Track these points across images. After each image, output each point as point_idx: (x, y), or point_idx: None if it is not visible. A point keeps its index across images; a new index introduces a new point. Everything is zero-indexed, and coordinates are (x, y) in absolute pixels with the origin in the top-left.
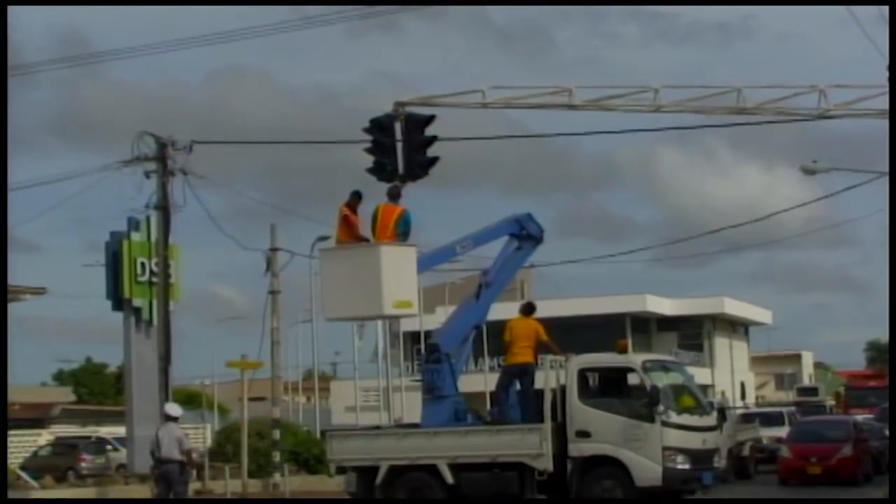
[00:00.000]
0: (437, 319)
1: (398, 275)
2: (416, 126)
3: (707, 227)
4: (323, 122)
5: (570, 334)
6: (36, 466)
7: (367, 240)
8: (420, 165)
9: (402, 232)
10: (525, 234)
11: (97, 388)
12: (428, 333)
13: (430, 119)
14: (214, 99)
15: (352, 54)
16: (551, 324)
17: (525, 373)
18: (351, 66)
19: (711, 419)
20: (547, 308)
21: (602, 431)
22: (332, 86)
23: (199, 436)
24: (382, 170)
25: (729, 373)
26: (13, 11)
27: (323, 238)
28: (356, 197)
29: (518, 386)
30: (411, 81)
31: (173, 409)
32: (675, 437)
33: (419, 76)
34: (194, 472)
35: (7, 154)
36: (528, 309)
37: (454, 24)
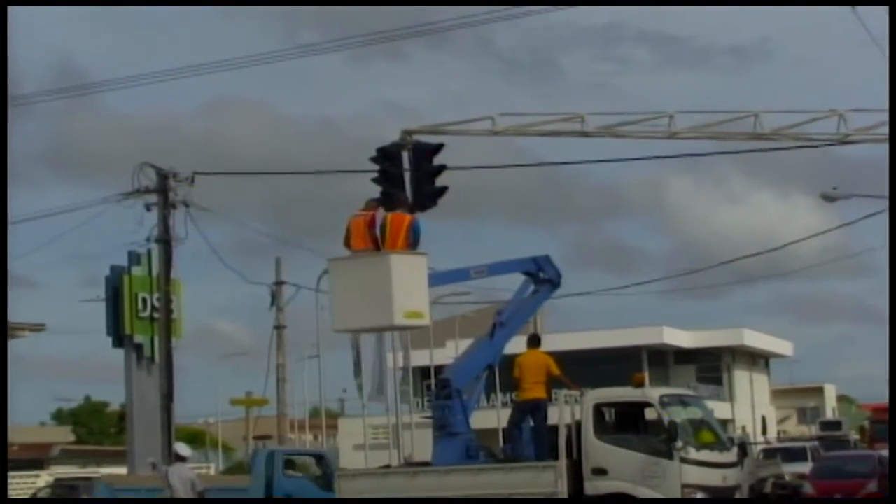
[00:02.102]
0: (447, 354)
1: (409, 284)
2: (425, 155)
3: (720, 256)
4: (324, 152)
5: (584, 368)
6: None
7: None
8: (428, 196)
9: (413, 242)
10: (542, 277)
11: (97, 428)
12: (438, 368)
13: (438, 147)
14: (211, 130)
15: (352, 83)
16: (565, 357)
17: (537, 409)
18: (352, 94)
19: (732, 455)
20: (561, 341)
21: (619, 469)
22: (333, 115)
23: (203, 476)
24: (391, 200)
25: (749, 407)
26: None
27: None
28: (373, 202)
29: (531, 422)
30: (414, 110)
31: (183, 448)
32: (694, 475)
33: (423, 104)
34: None
35: (7, 157)
36: (535, 341)
37: (458, 51)
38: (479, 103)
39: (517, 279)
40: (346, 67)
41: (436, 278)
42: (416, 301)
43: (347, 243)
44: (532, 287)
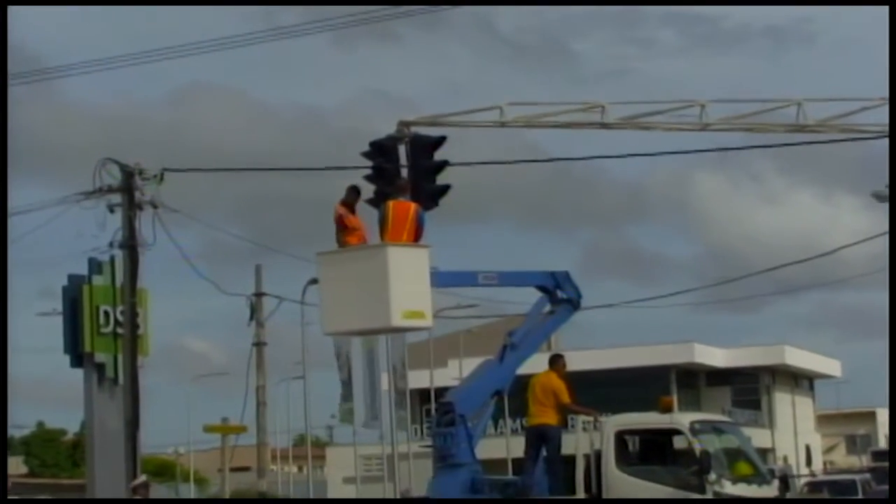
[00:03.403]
0: (449, 374)
1: (408, 280)
2: (424, 149)
3: (757, 264)
4: (308, 146)
5: (604, 390)
6: None
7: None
8: (429, 195)
9: (418, 234)
10: (559, 296)
11: (51, 459)
12: (440, 391)
13: (439, 141)
14: (181, 121)
15: (338, 68)
16: (583, 378)
17: (545, 436)
18: (338, 81)
19: (772, 489)
20: (578, 360)
21: None
22: (318, 104)
23: None
24: (386, 191)
25: (792, 434)
26: None
27: (316, 280)
28: (354, 193)
29: (544, 451)
30: (408, 98)
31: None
32: None
33: (418, 92)
34: None
35: (7, 157)
36: (553, 362)
37: (457, 34)
38: (481, 92)
39: (530, 293)
40: (332, 51)
41: (438, 278)
42: (417, 299)
43: (338, 239)
44: (548, 306)
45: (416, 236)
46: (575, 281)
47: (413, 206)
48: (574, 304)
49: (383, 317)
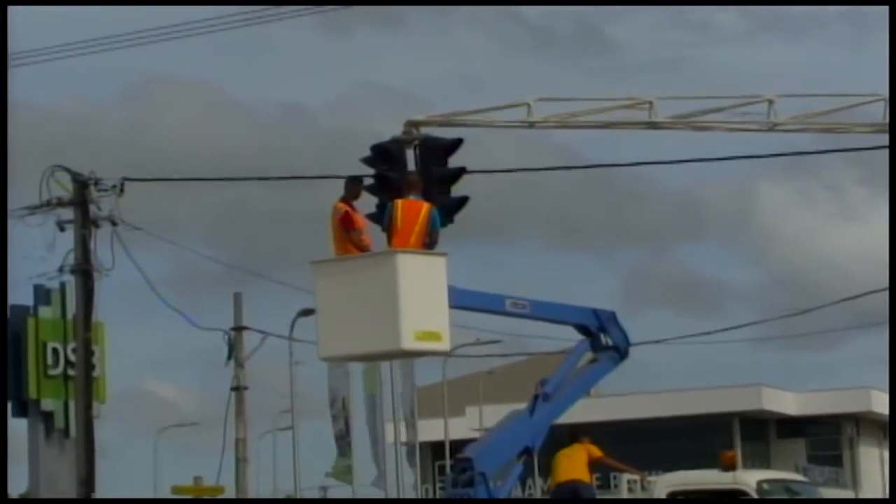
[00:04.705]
0: (467, 424)
1: (422, 294)
2: (437, 154)
3: (833, 292)
4: (293, 151)
5: (654, 443)
6: None
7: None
8: (443, 209)
9: (430, 239)
10: (603, 341)
11: None
12: (457, 445)
13: (455, 144)
14: (141, 122)
15: (329, 59)
16: (628, 429)
17: (579, 495)
18: (328, 74)
19: None
20: (622, 407)
21: None
22: (304, 102)
23: None
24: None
25: (880, 495)
26: None
27: (307, 311)
28: (357, 186)
29: None
30: (413, 94)
31: None
32: None
33: (424, 87)
34: None
35: (7, 157)
36: (574, 437)
37: (472, 18)
38: (502, 87)
39: (564, 328)
40: (321, 38)
41: (457, 297)
42: (432, 318)
43: (334, 245)
44: (589, 353)
45: (430, 242)
46: (622, 324)
47: (425, 206)
48: (621, 352)
49: (392, 338)
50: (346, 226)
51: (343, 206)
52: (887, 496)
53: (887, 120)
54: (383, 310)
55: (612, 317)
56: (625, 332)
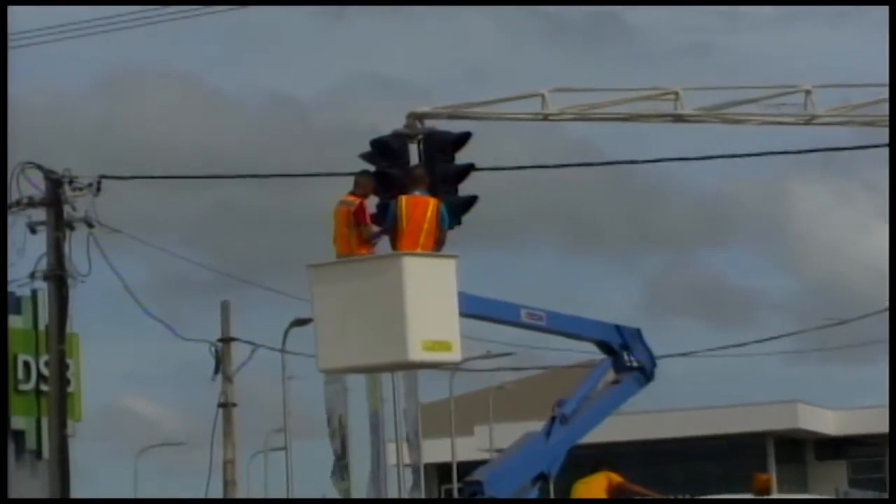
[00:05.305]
0: (476, 444)
1: (430, 300)
2: (443, 149)
3: (873, 300)
4: (284, 146)
5: (683, 464)
6: None
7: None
8: (450, 210)
9: (440, 238)
10: (626, 360)
11: None
12: (465, 468)
13: (462, 139)
14: (119, 115)
15: (322, 47)
16: (654, 449)
17: None
18: (321, 64)
19: None
20: (646, 426)
21: None
22: (295, 93)
23: None
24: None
25: None
26: None
27: (301, 321)
28: (368, 179)
29: None
30: (414, 85)
31: None
32: None
33: (427, 77)
34: None
35: (7, 157)
36: (596, 467)
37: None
38: (511, 77)
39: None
40: (313, 23)
41: (468, 304)
42: (442, 326)
43: (337, 244)
44: (611, 372)
45: (438, 242)
46: (648, 343)
47: (432, 203)
48: (646, 373)
49: (398, 349)
50: (358, 219)
51: (357, 199)
52: None
53: None
54: (388, 317)
55: (637, 334)
56: (651, 352)
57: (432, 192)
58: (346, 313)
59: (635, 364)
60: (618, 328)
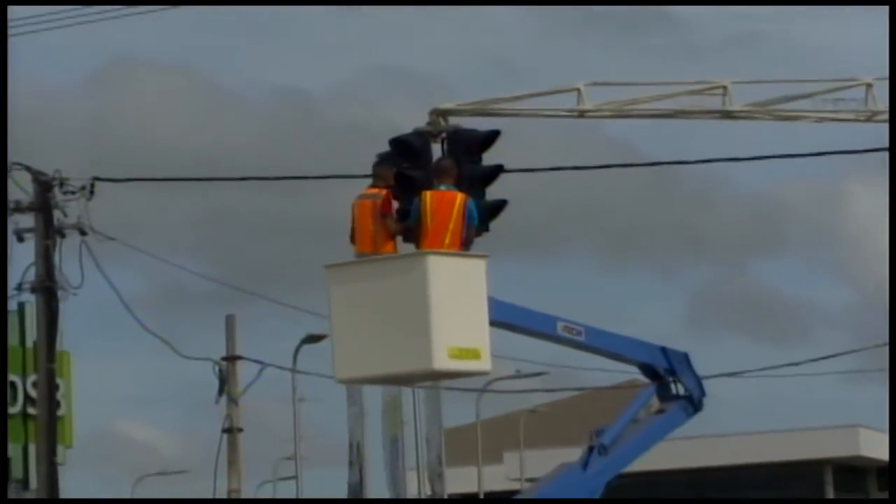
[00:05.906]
0: (504, 473)
1: (458, 304)
2: (469, 149)
3: None
4: (292, 145)
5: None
6: None
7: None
8: (477, 211)
9: (467, 236)
10: (672, 388)
11: None
12: (493, 498)
13: (491, 137)
14: (112, 112)
15: (334, 38)
16: (704, 477)
17: None
18: (333, 56)
19: None
20: (693, 452)
21: None
22: (305, 88)
23: None
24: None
25: None
26: None
27: (313, 338)
28: (388, 170)
29: None
30: (434, 79)
31: None
32: None
33: (447, 71)
34: None
35: (7, 157)
36: None
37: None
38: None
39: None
40: (324, 12)
41: (499, 311)
42: (470, 332)
43: (353, 239)
44: (655, 401)
45: (466, 241)
46: (696, 369)
47: (459, 198)
48: (694, 403)
49: (422, 356)
50: (385, 210)
51: (382, 191)
52: None
53: None
54: (411, 322)
55: (685, 359)
56: (699, 379)
57: (459, 186)
58: (366, 317)
59: (682, 392)
60: (664, 351)
